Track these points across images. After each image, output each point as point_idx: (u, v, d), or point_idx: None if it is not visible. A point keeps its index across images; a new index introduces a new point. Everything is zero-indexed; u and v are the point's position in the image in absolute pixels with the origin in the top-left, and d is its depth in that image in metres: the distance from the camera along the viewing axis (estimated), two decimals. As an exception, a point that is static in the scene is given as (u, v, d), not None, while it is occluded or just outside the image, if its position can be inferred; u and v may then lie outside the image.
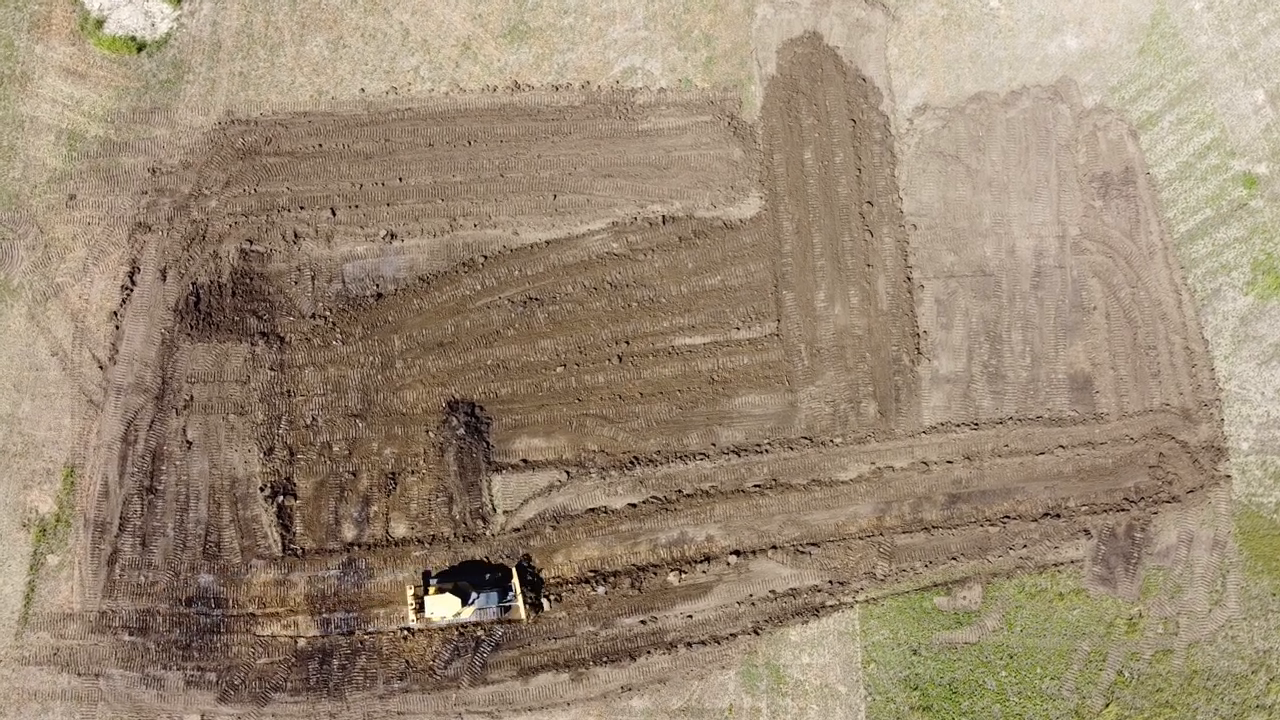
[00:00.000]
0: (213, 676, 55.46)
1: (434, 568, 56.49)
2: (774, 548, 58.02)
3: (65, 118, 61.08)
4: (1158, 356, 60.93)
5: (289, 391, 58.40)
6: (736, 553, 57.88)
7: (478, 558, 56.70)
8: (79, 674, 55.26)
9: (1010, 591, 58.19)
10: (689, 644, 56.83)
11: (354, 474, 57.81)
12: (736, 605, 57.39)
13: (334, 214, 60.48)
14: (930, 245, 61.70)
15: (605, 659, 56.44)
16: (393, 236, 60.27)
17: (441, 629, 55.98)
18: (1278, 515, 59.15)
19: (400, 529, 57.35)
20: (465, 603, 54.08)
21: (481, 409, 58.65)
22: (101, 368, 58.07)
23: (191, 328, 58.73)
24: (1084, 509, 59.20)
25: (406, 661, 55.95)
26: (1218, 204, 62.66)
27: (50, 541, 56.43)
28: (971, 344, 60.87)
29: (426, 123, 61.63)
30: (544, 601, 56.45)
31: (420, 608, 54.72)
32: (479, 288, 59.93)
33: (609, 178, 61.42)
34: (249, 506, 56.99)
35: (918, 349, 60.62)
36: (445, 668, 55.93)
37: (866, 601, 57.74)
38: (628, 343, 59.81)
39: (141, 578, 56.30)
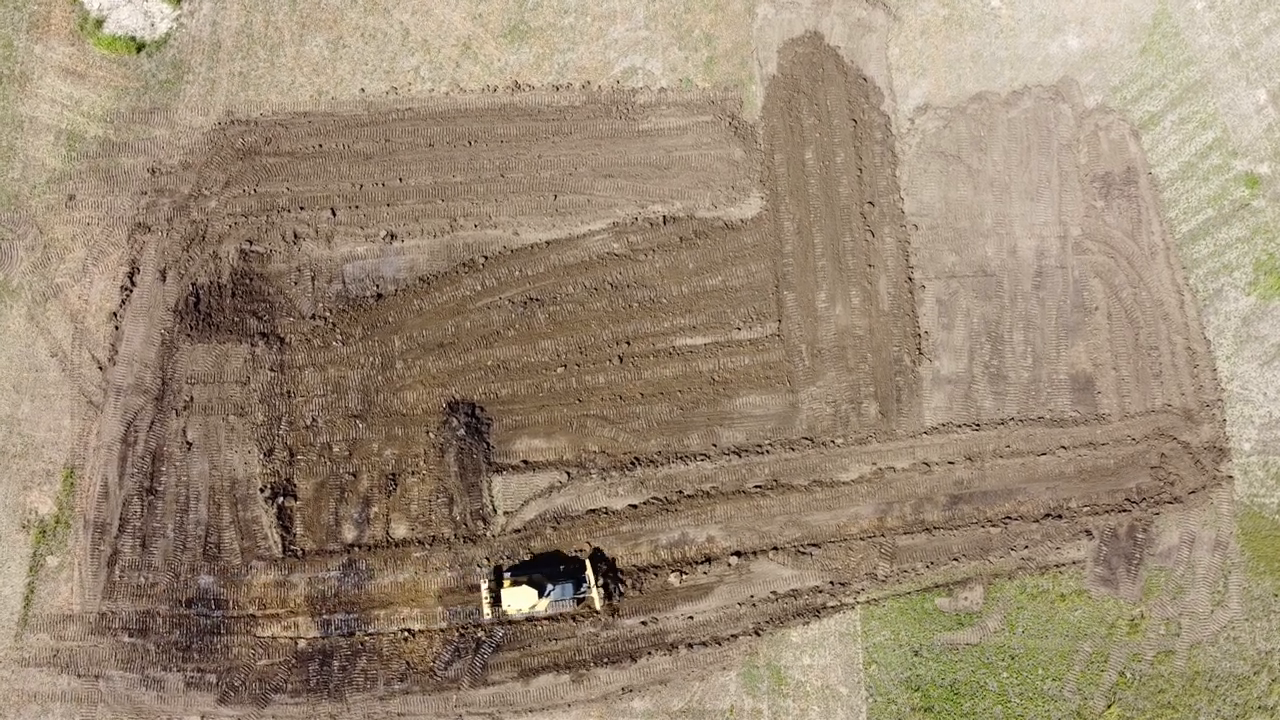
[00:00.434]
0: (213, 678, 55.39)
1: (505, 562, 56.48)
2: (775, 548, 57.95)
3: (65, 118, 60.94)
4: (1159, 357, 60.82)
5: (289, 392, 58.29)
6: (738, 553, 57.80)
7: (546, 550, 56.81)
8: (79, 675, 55.18)
9: (1012, 592, 58.11)
10: (690, 645, 56.75)
11: (354, 475, 57.71)
12: (738, 606, 57.31)
13: (334, 214, 60.36)
14: (932, 245, 61.58)
15: (606, 660, 56.36)
16: (393, 237, 60.15)
17: (442, 630, 55.92)
18: (1280, 516, 59.16)
19: (401, 530, 57.25)
20: (541, 595, 54.17)
21: (482, 410, 58.54)
22: (101, 369, 57.96)
23: (191, 328, 58.60)
24: (1086, 510, 59.12)
25: (407, 663, 55.87)
26: (1220, 204, 62.55)
27: (50, 543, 56.32)
28: (973, 344, 60.77)
29: (427, 123, 61.50)
30: (618, 591, 56.42)
31: (495, 601, 54.87)
32: (479, 288, 59.82)
33: (610, 178, 61.30)
34: (249, 508, 56.89)
35: (919, 349, 60.51)
36: (446, 669, 55.85)
37: (868, 602, 57.66)
38: (628, 343, 59.70)
39: (141, 579, 56.21)
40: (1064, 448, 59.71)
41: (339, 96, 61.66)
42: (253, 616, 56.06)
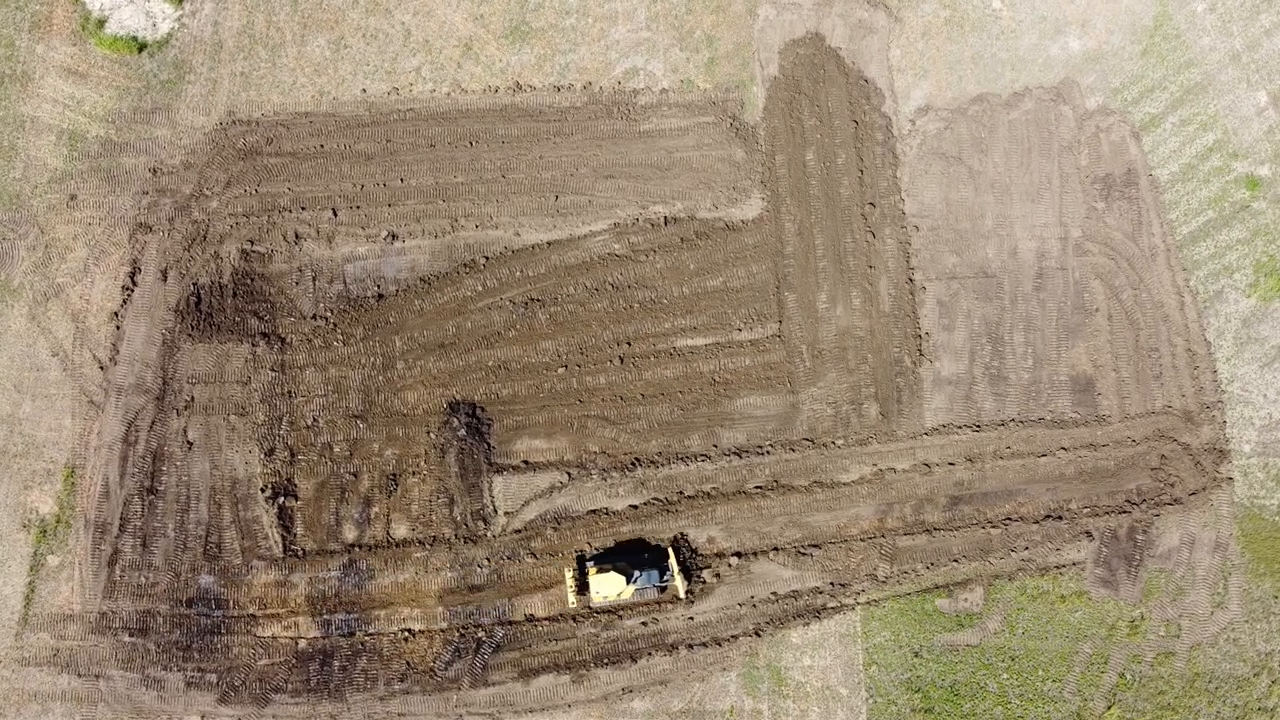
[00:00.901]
0: (213, 678, 55.39)
1: (587, 551, 56.92)
2: (775, 549, 57.95)
3: (66, 118, 60.98)
4: (1160, 358, 60.86)
5: (290, 392, 58.31)
6: (738, 554, 57.81)
7: (632, 536, 57.27)
8: (79, 675, 55.18)
9: (1012, 593, 58.12)
10: (690, 646, 56.76)
11: (355, 475, 57.72)
12: (738, 607, 57.32)
13: (335, 215, 60.39)
14: (932, 247, 61.62)
15: (606, 660, 56.37)
16: (394, 237, 60.18)
17: (442, 630, 55.94)
18: (1280, 518, 59.18)
19: (401, 530, 57.26)
20: (628, 581, 54.57)
21: (483, 410, 58.57)
22: (102, 368, 57.97)
23: (192, 328, 58.62)
24: (1086, 511, 59.14)
25: (407, 663, 55.88)
26: (1220, 206, 62.61)
27: (50, 542, 56.33)
28: (973, 346, 60.80)
29: (428, 123, 61.53)
30: (700, 578, 56.58)
31: (580, 589, 55.27)
32: (480, 289, 59.85)
33: (611, 179, 61.34)
34: (250, 507, 56.90)
35: (920, 350, 60.55)
36: (446, 669, 55.86)
37: (868, 603, 57.67)
38: (629, 344, 59.73)
39: (142, 579, 56.21)
40: (1064, 449, 59.73)
41: (340, 97, 61.70)
42: (253, 616, 56.07)
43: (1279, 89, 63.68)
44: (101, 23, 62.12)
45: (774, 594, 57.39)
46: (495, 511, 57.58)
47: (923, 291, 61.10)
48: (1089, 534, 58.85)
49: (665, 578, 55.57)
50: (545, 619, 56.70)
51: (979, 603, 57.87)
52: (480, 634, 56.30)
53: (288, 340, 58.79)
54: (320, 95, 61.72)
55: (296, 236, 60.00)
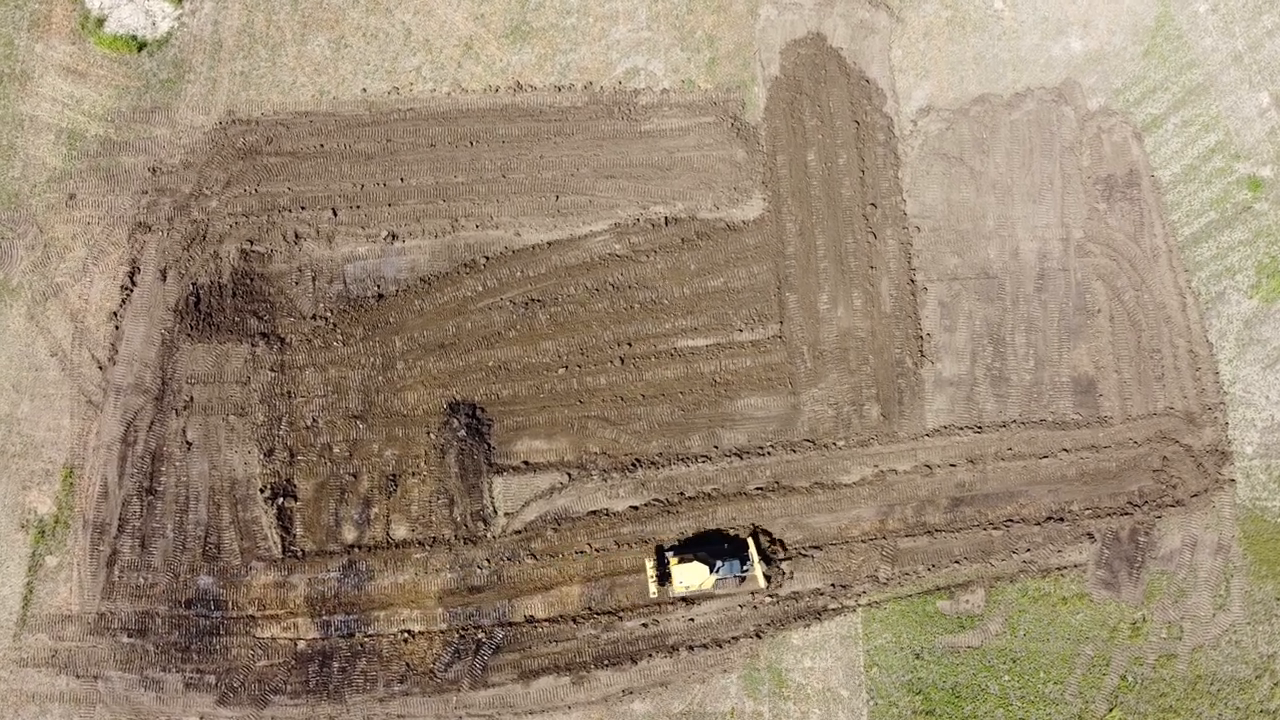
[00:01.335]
0: (212, 679, 55.19)
1: (665, 542, 57.04)
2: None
3: (65, 117, 60.81)
4: (1162, 360, 60.72)
5: (289, 393, 58.13)
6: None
7: (712, 526, 57.39)
8: (77, 676, 54.97)
9: (1013, 595, 57.97)
10: (691, 647, 56.58)
11: (354, 476, 57.54)
12: (739, 608, 57.14)
13: (335, 214, 60.23)
14: (934, 247, 61.48)
15: (607, 662, 56.19)
16: (394, 237, 60.02)
17: (442, 631, 55.78)
18: (1282, 519, 59.04)
19: (401, 531, 57.08)
20: (711, 571, 54.69)
21: (483, 410, 58.40)
22: (101, 368, 57.79)
23: (192, 328, 58.45)
24: (1087, 513, 58.99)
25: (407, 664, 55.69)
26: (1222, 207, 62.49)
27: (49, 542, 56.14)
28: (975, 347, 60.66)
29: (428, 123, 61.39)
30: (779, 568, 56.75)
31: (662, 579, 55.51)
32: (480, 289, 59.69)
33: (611, 179, 61.19)
34: (249, 508, 56.72)
35: (921, 352, 60.40)
36: (446, 670, 55.68)
37: (869, 605, 57.50)
38: (630, 344, 59.57)
39: (140, 579, 56.02)
40: (1066, 450, 59.58)
41: (340, 96, 61.55)
42: (252, 617, 55.88)
43: (1281, 90, 63.65)
44: (101, 21, 61.96)
45: (775, 595, 57.18)
46: (495, 512, 57.41)
47: (924, 292, 60.96)
48: (1091, 536, 58.70)
49: (745, 567, 55.59)
50: (545, 620, 56.52)
51: (980, 604, 57.71)
52: (480, 635, 56.13)
53: (287, 340, 58.62)
54: (320, 95, 61.57)
55: (296, 236, 59.84)
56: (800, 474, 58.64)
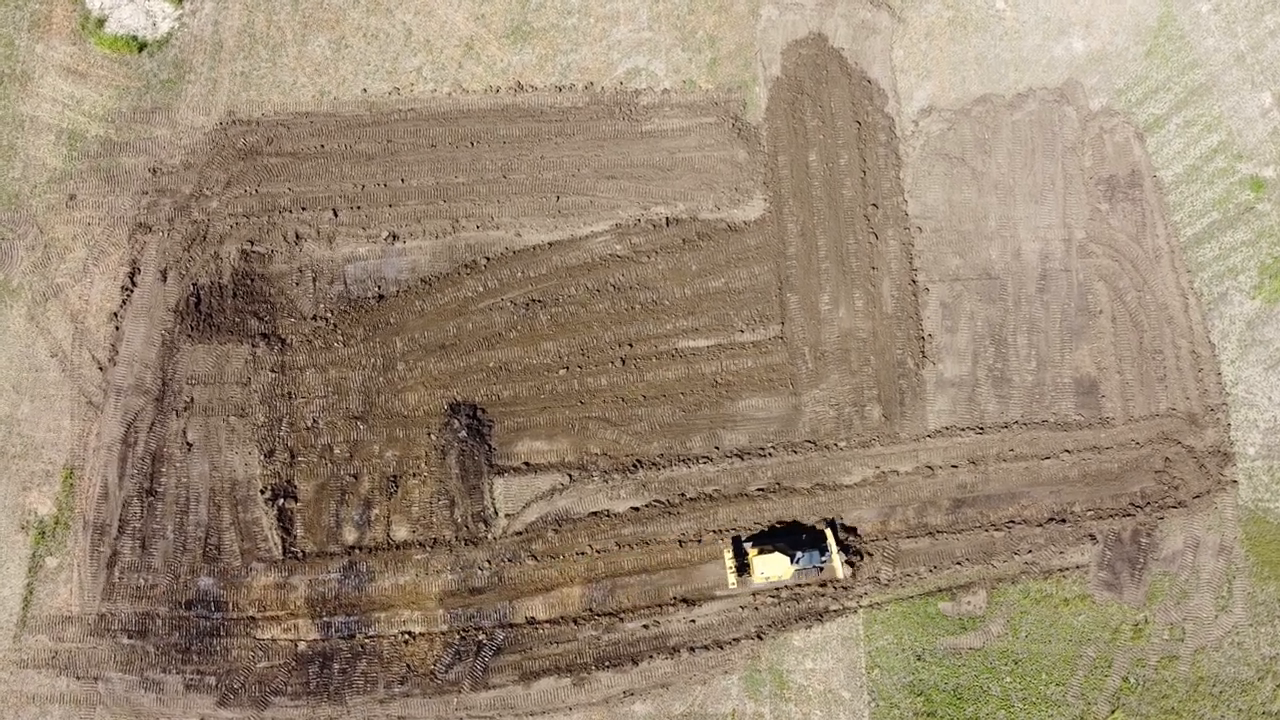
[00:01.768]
0: (212, 680, 55.11)
1: (742, 532, 57.24)
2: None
3: (66, 117, 60.75)
4: (1164, 361, 60.59)
5: (290, 393, 58.05)
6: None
7: (790, 519, 57.49)
8: (77, 677, 54.90)
9: (1015, 597, 57.85)
10: (692, 649, 56.49)
11: (355, 477, 57.47)
12: (740, 610, 57.04)
13: (336, 215, 60.15)
14: (935, 248, 61.37)
15: (607, 663, 56.10)
16: (395, 238, 59.94)
17: (442, 633, 55.70)
18: (1284, 521, 58.90)
19: (401, 532, 57.00)
20: (791, 563, 54.95)
21: (483, 411, 58.31)
22: (101, 369, 57.72)
23: (192, 329, 58.38)
24: (1089, 514, 58.87)
25: (407, 666, 55.61)
26: (1225, 207, 62.36)
27: (49, 544, 56.07)
28: (977, 347, 60.54)
29: (429, 123, 61.30)
30: (858, 559, 56.97)
31: (740, 570, 55.63)
32: (481, 289, 59.60)
33: (612, 179, 61.10)
34: (249, 509, 56.64)
35: (922, 352, 60.29)
36: (446, 672, 55.60)
37: (871, 606, 57.40)
38: (631, 345, 59.48)
39: (141, 580, 55.95)
40: (1068, 451, 59.46)
41: (341, 97, 61.48)
42: (252, 618, 55.81)
43: (1284, 90, 63.52)
44: (101, 22, 61.90)
45: (776, 595, 57.08)
46: (496, 513, 57.33)
47: (926, 293, 60.85)
48: (1093, 537, 58.58)
49: (824, 558, 55.70)
50: (546, 621, 56.43)
51: (982, 606, 57.60)
52: (481, 636, 56.04)
53: (288, 341, 58.55)
54: (321, 95, 61.49)
55: (297, 237, 59.76)
56: (802, 475, 58.53)
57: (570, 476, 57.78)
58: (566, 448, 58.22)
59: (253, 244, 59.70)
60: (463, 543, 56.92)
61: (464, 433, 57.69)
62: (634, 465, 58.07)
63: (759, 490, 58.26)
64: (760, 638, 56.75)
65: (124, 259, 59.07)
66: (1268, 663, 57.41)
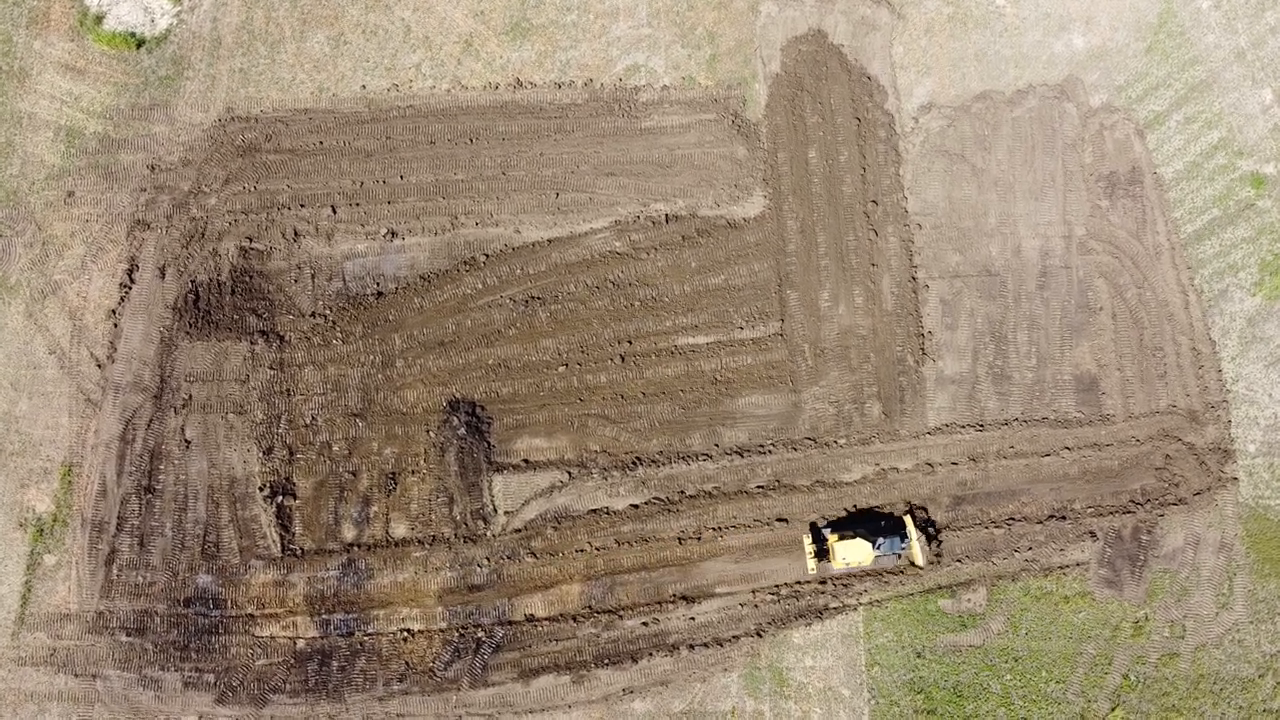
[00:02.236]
0: (211, 678, 55.03)
1: (821, 519, 57.39)
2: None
3: (64, 114, 60.67)
4: (1164, 358, 60.49)
5: (289, 390, 57.97)
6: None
7: (869, 505, 57.84)
8: (76, 675, 54.83)
9: (1015, 594, 57.75)
10: (691, 646, 56.40)
11: (354, 474, 57.39)
12: (739, 607, 56.95)
13: (335, 212, 60.07)
14: (935, 245, 61.28)
15: (607, 661, 56.00)
16: (394, 234, 59.86)
17: (441, 630, 55.66)
18: (1285, 518, 58.80)
19: (400, 529, 56.92)
20: (873, 549, 55.32)
21: (483, 408, 58.23)
22: (100, 366, 57.65)
23: (190, 326, 58.31)
24: (1090, 511, 58.76)
25: (406, 663, 55.52)
26: (1225, 204, 62.25)
27: (47, 541, 56.00)
28: (977, 344, 60.44)
29: (428, 120, 61.23)
30: (937, 546, 57.12)
31: (820, 555, 56.07)
32: (480, 286, 59.52)
33: (612, 176, 61.01)
34: (248, 506, 56.56)
35: (922, 349, 60.20)
36: (445, 669, 55.51)
37: (871, 604, 57.29)
38: (630, 342, 59.38)
39: (139, 578, 55.87)
40: (1068, 449, 59.36)
41: (340, 93, 61.41)
42: (251, 616, 55.72)
43: (1284, 86, 63.42)
44: (99, 19, 61.84)
45: (776, 593, 56.99)
46: (495, 511, 57.25)
47: (925, 290, 60.75)
48: (1093, 534, 58.48)
49: (904, 544, 56.03)
50: (545, 619, 56.34)
51: (982, 603, 57.51)
52: (480, 634, 55.95)
53: (286, 338, 58.46)
54: (319, 92, 61.42)
55: (295, 234, 59.68)
56: (801, 472, 58.43)
57: (569, 474, 57.69)
58: (566, 445, 58.13)
59: (251, 241, 59.62)
60: (462, 540, 56.83)
61: (463, 430, 57.61)
62: (633, 462, 57.98)
63: (759, 487, 58.17)
64: (760, 635, 56.65)
65: (122, 256, 59.01)
66: (1268, 660, 57.31)
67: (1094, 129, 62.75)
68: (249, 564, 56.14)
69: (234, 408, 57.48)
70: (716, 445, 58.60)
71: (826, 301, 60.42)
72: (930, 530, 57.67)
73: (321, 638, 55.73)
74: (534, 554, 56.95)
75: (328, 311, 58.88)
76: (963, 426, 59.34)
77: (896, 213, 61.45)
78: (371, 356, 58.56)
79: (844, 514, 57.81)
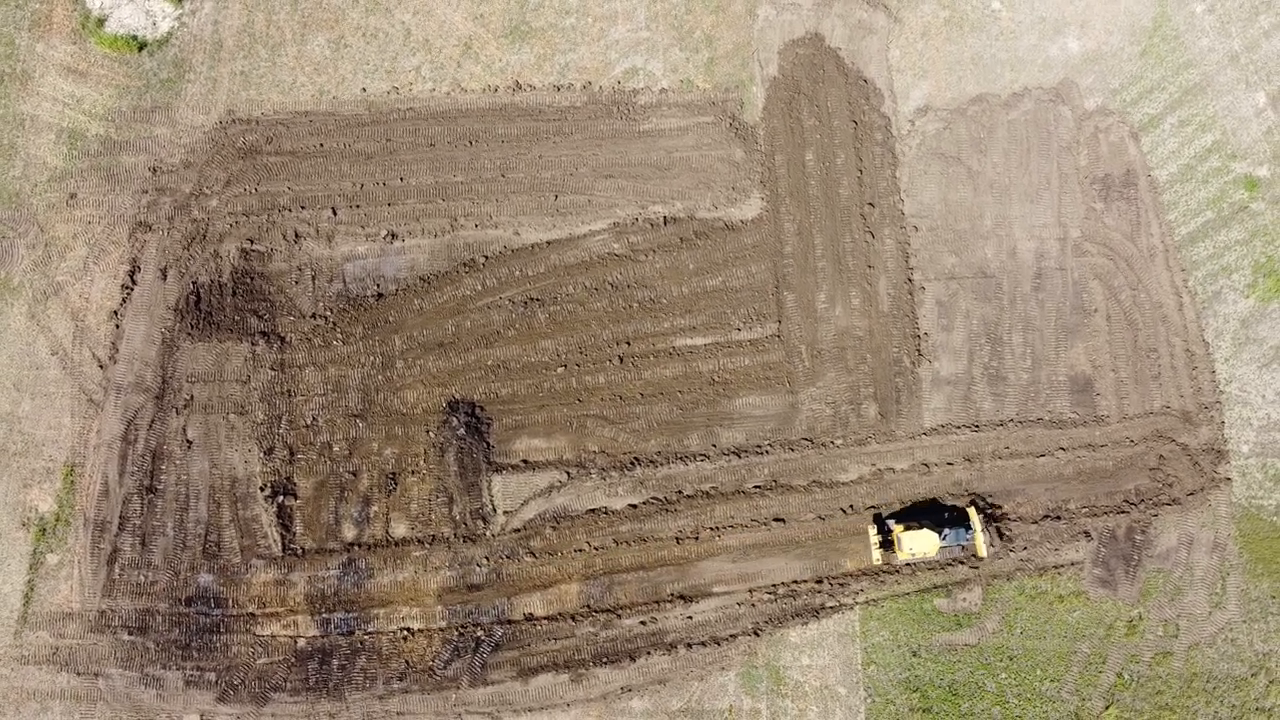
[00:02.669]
0: (212, 676, 55.38)
1: (882, 510, 58.08)
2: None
3: (66, 116, 60.99)
4: (1158, 359, 60.91)
5: (289, 391, 58.31)
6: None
7: (929, 496, 58.54)
8: (78, 673, 55.17)
9: (1010, 593, 58.15)
10: (689, 645, 56.77)
11: (354, 474, 57.73)
12: (736, 606, 57.32)
13: (335, 214, 60.41)
14: (931, 247, 61.66)
15: (605, 659, 56.37)
16: (394, 236, 60.20)
17: (441, 629, 56.00)
18: (1278, 518, 59.12)
19: (400, 529, 57.27)
20: (939, 539, 55.90)
21: (482, 409, 58.58)
22: (102, 367, 57.98)
23: (192, 327, 58.63)
24: (1084, 511, 59.16)
25: (406, 662, 55.89)
26: (1219, 206, 62.66)
27: (50, 540, 56.33)
28: (972, 346, 60.84)
29: (428, 122, 61.56)
30: (1001, 537, 57.62)
31: (886, 545, 56.56)
32: (480, 288, 59.87)
33: (610, 178, 61.37)
34: (249, 506, 56.90)
35: (919, 351, 60.58)
36: (445, 668, 55.87)
37: (867, 603, 57.68)
38: (628, 343, 59.75)
39: (141, 577, 56.21)
40: (1063, 449, 59.76)
41: (340, 96, 61.73)
42: (252, 615, 56.07)
43: (1278, 89, 63.74)
44: (101, 21, 62.14)
45: (773, 592, 57.36)
46: (494, 510, 57.59)
47: (922, 292, 61.14)
48: (1087, 534, 58.88)
49: (969, 536, 56.48)
50: (544, 618, 56.70)
51: (977, 602, 57.90)
52: (479, 633, 56.32)
53: (287, 339, 58.81)
54: (320, 94, 61.75)
55: (296, 235, 60.02)
56: (798, 473, 58.82)
57: (568, 474, 58.06)
58: (564, 445, 58.49)
59: (252, 242, 59.96)
60: (461, 540, 57.20)
61: (462, 430, 57.96)
62: (632, 463, 58.35)
63: (756, 487, 58.56)
64: (757, 634, 57.03)
65: (124, 257, 59.33)
66: (1261, 659, 57.74)
67: (1089, 132, 63.16)
68: (250, 563, 56.50)
69: (235, 408, 57.83)
70: (714, 446, 58.99)
71: (823, 303, 60.82)
72: (994, 521, 58.14)
73: (322, 636, 56.09)
74: (533, 553, 57.32)
75: (328, 313, 59.23)
76: (958, 427, 59.74)
77: (893, 215, 61.85)
78: (372, 357, 58.91)
79: (904, 506, 58.50)
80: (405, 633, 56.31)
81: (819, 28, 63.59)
